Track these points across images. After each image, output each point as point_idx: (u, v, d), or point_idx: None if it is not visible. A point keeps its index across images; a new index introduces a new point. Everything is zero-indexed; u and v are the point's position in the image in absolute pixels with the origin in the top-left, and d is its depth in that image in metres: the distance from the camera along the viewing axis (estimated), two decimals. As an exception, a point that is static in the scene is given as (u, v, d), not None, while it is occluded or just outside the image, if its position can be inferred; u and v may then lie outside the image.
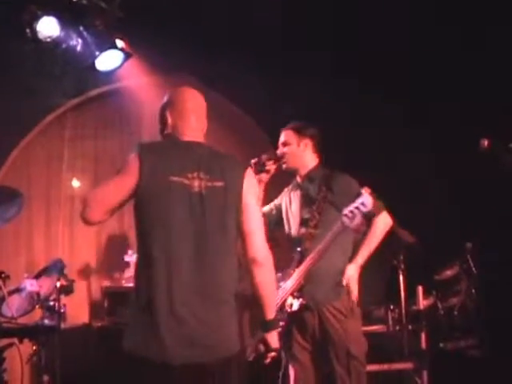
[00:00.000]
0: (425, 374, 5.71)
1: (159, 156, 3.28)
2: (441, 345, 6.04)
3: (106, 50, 6.11)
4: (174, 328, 3.08)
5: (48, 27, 5.86)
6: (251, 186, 3.41)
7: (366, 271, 6.74)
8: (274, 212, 4.97)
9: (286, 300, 4.49)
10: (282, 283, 4.54)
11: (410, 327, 5.92)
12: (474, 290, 6.05)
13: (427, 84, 6.68)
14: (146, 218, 3.20)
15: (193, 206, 3.19)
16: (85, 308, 6.97)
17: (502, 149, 4.16)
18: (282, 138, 4.93)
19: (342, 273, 4.57)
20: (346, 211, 4.27)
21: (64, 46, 6.03)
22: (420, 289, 6.01)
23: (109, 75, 6.78)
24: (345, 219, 4.28)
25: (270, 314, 3.33)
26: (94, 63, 6.21)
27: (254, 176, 3.60)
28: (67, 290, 5.59)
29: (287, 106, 7.36)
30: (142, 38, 6.61)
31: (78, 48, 6.06)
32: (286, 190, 5.01)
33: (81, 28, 5.98)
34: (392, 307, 6.02)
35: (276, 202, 5.01)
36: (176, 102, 3.58)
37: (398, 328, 5.98)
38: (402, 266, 5.92)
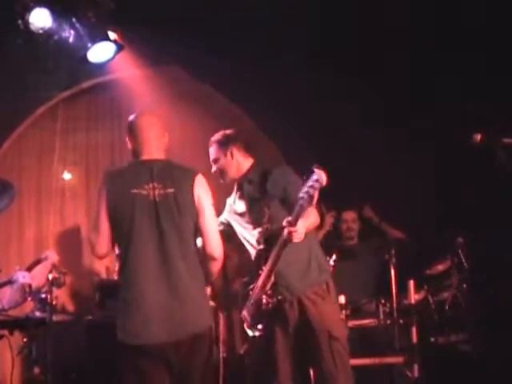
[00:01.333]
0: (415, 367, 5.73)
1: (121, 177, 3.98)
2: (432, 339, 6.06)
3: (98, 41, 6.09)
4: (148, 314, 3.75)
5: (40, 19, 5.83)
6: (202, 190, 3.97)
7: (358, 265, 6.78)
8: (223, 227, 4.85)
9: (260, 300, 4.45)
10: (251, 286, 4.56)
11: (401, 321, 5.94)
12: (465, 285, 6.06)
13: (410, 81, 6.70)
14: (117, 226, 3.88)
15: (150, 211, 3.85)
16: (76, 301, 6.94)
17: (495, 143, 4.16)
18: (211, 156, 4.92)
19: (310, 257, 4.62)
20: (301, 194, 4.11)
21: (56, 37, 5.99)
22: (411, 283, 6.01)
23: (101, 67, 6.75)
24: (302, 202, 4.12)
25: None
26: (86, 55, 6.19)
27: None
28: (59, 282, 5.58)
29: (279, 98, 7.39)
30: (135, 30, 6.59)
31: (71, 40, 6.02)
32: (227, 203, 5.00)
33: (73, 20, 5.95)
34: (383, 301, 6.04)
35: (221, 218, 4.89)
36: (133, 131, 4.17)
37: (389, 322, 5.99)
38: (394, 261, 5.94)
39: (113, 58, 6.45)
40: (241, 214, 4.80)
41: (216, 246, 3.98)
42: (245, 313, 4.56)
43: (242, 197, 4.82)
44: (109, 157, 7.85)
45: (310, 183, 4.08)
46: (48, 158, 7.53)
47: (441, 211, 6.38)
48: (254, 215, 4.67)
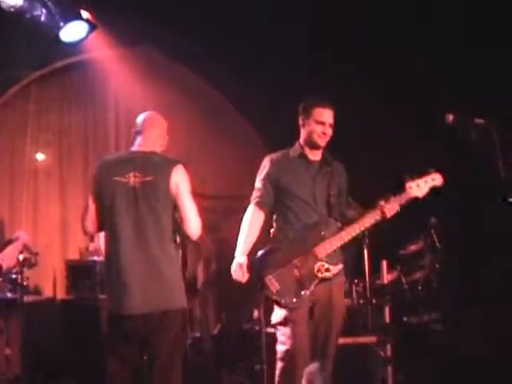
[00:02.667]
0: (388, 347, 5.75)
1: (107, 166, 4.32)
2: (404, 319, 6.09)
3: (70, 20, 6.02)
4: (126, 285, 4.09)
5: (11, -4, 5.76)
6: (180, 179, 4.27)
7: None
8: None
9: (312, 268, 4.49)
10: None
11: (374, 301, 5.95)
12: (437, 265, 6.10)
13: (394, 62, 6.70)
14: (102, 209, 4.27)
15: (129, 197, 4.18)
16: (49, 281, 6.91)
17: (467, 123, 4.17)
18: (330, 120, 4.68)
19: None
20: (412, 184, 4.61)
21: (28, 16, 5.92)
22: (384, 263, 6.05)
23: (74, 47, 6.68)
24: (412, 192, 4.60)
25: None
26: (58, 34, 6.12)
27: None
28: (30, 262, 5.56)
29: (252, 78, 7.38)
30: (108, 10, 6.53)
31: (42, 18, 5.95)
32: (277, 166, 4.81)
33: (45, -2, 5.89)
34: (356, 281, 6.06)
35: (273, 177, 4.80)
36: (138, 124, 4.50)
37: (362, 302, 6.01)
38: (367, 241, 5.94)
39: (86, 37, 6.39)
40: (303, 184, 4.70)
41: (192, 230, 4.33)
42: (272, 278, 4.50)
43: (311, 169, 4.74)
44: (82, 137, 7.81)
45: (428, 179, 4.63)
46: (21, 138, 7.48)
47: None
48: (318, 192, 4.67)
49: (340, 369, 6.01)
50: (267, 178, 4.78)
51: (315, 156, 4.75)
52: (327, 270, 4.49)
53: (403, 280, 6.14)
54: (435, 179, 4.66)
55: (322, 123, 4.64)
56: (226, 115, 8.55)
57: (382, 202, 4.59)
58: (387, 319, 5.92)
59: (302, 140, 4.78)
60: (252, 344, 6.75)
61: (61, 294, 6.72)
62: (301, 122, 4.78)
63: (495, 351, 5.94)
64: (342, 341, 5.85)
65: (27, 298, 5.74)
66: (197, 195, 4.46)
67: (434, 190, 4.67)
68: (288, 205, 4.67)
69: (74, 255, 7.05)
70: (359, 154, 6.55)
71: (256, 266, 4.63)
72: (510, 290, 5.73)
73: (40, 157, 7.56)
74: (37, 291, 6.84)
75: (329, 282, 4.53)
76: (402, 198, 4.60)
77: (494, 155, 4.03)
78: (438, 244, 5.94)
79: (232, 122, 8.60)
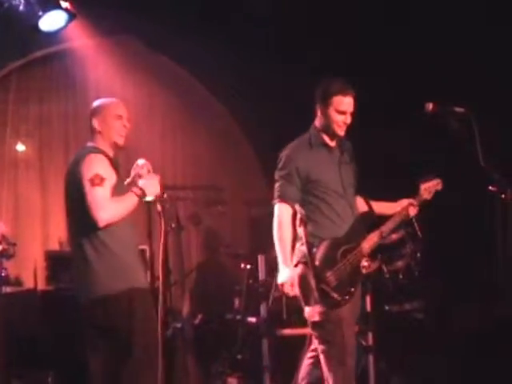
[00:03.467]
0: (370, 335, 5.78)
1: None
2: (386, 307, 6.11)
3: (49, 10, 5.94)
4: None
5: (-12, -14, 5.71)
6: (85, 168, 4.17)
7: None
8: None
9: (359, 263, 4.44)
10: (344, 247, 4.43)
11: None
12: (418, 254, 6.11)
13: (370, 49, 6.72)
14: None
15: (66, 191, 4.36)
16: (30, 272, 6.86)
17: (447, 112, 4.18)
18: (351, 108, 4.49)
19: None
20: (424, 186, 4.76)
21: (6, 5, 5.86)
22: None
23: (53, 36, 6.64)
24: (428, 196, 4.77)
25: None
26: (37, 24, 6.07)
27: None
28: (8, 253, 5.52)
29: (235, 67, 7.36)
30: (88, -1, 6.50)
31: (21, 8, 5.90)
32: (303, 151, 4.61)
33: (23, -14, 5.84)
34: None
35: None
36: None
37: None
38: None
39: (65, 26, 6.34)
40: (331, 174, 4.58)
41: (94, 218, 4.12)
42: (331, 275, 4.32)
43: (334, 156, 4.62)
44: (63, 128, 7.77)
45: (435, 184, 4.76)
46: (1, 129, 7.42)
47: (395, 178, 6.39)
48: (345, 179, 4.59)
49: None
50: (295, 172, 4.53)
51: (333, 142, 4.62)
52: (369, 266, 4.47)
53: (384, 269, 6.14)
54: (438, 184, 4.79)
55: (343, 112, 4.46)
56: (206, 106, 8.54)
57: (405, 203, 4.69)
58: (368, 308, 5.94)
59: (319, 126, 4.59)
60: (233, 333, 6.77)
61: (42, 285, 6.68)
62: (318, 109, 4.58)
63: (477, 338, 5.98)
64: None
65: (6, 289, 5.70)
66: (174, 186, 4.42)
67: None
68: (321, 197, 4.49)
69: (54, 246, 7.02)
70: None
71: (314, 260, 4.28)
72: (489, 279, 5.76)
73: (20, 147, 7.51)
74: (18, 282, 6.80)
75: None
76: (419, 199, 4.73)
77: (474, 143, 4.04)
78: (418, 233, 5.95)
79: (212, 112, 8.59)
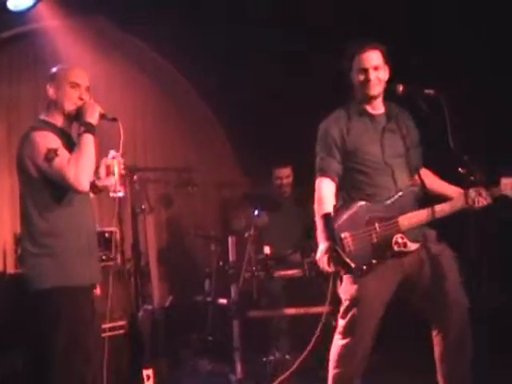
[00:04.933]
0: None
1: None
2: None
3: (17, -11, 5.92)
4: None
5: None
6: (32, 153, 4.01)
7: (287, 217, 6.82)
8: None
9: (391, 237, 4.12)
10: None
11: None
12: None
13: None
14: None
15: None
16: (-1, 255, 6.83)
17: (417, 94, 4.19)
18: (373, 62, 4.24)
19: None
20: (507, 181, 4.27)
21: (-27, -16, 5.82)
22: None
23: (21, 16, 6.57)
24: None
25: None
26: (5, 3, 6.02)
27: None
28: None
29: (206, 51, 7.33)
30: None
31: (-12, -13, 5.85)
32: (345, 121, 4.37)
33: (-11, -35, 5.78)
34: (307, 253, 6.06)
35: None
36: None
37: (314, 273, 6.01)
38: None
39: (33, 6, 6.29)
40: (372, 144, 4.33)
41: (67, 182, 3.94)
42: (349, 237, 4.10)
43: (376, 125, 4.37)
44: (32, 110, 7.67)
45: None
46: (-32, 112, 7.35)
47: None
48: (388, 150, 4.31)
49: (294, 338, 6.10)
50: (333, 144, 4.29)
51: (377, 109, 4.39)
52: (404, 244, 4.13)
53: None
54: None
55: (364, 70, 4.23)
56: (177, 87, 8.53)
57: (473, 192, 4.18)
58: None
59: (356, 95, 4.37)
60: (204, 315, 6.78)
61: (11, 269, 6.64)
62: (350, 78, 4.36)
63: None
64: (294, 311, 5.94)
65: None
66: (145, 168, 4.36)
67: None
68: (359, 169, 4.27)
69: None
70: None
71: (332, 220, 4.10)
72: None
73: (-13, 131, 7.42)
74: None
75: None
76: (495, 192, 4.23)
77: (444, 126, 4.05)
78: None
79: (183, 94, 8.58)
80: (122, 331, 5.71)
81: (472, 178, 4.08)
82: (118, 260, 6.53)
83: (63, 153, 3.96)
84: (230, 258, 6.27)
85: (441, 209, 4.19)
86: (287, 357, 5.94)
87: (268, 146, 7.37)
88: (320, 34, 6.63)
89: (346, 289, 4.26)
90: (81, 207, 4.14)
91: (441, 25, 6.21)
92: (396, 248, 4.12)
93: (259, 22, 6.90)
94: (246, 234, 6.30)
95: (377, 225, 4.14)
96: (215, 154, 8.82)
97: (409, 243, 4.15)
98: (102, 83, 7.04)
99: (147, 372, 5.57)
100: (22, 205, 4.13)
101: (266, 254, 6.29)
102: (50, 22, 7.15)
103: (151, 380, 5.56)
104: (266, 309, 6.13)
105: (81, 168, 3.91)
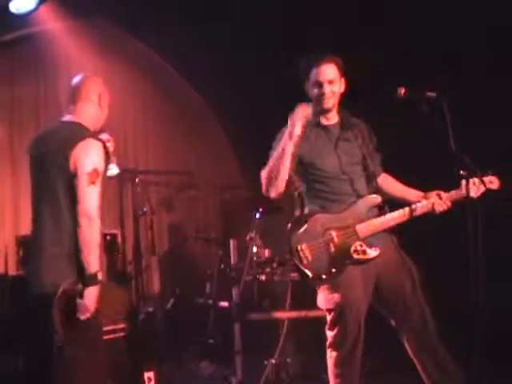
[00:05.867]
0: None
1: (34, 137, 4.20)
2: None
3: (19, -9, 5.94)
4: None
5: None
6: (82, 155, 3.80)
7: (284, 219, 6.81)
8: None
9: (349, 246, 4.16)
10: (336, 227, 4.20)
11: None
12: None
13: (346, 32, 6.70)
14: None
15: (37, 171, 4.00)
16: (0, 257, 6.82)
17: (419, 96, 4.19)
18: (328, 75, 4.28)
19: None
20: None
21: (-25, -13, 5.83)
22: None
23: (24, 19, 6.58)
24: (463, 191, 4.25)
25: (88, 268, 3.79)
26: (7, 6, 6.03)
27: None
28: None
29: (208, 53, 7.33)
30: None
31: (-10, -11, 5.87)
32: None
33: (-8, -32, 5.79)
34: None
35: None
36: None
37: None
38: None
39: (36, 9, 6.30)
40: (327, 155, 4.36)
41: (81, 214, 3.77)
42: (306, 248, 4.13)
43: (330, 136, 4.40)
44: (34, 111, 7.70)
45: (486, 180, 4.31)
46: (-29, 112, 7.36)
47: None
48: (344, 160, 4.35)
49: (296, 342, 6.11)
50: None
51: (331, 120, 4.44)
52: (364, 252, 4.17)
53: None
54: (493, 182, 4.41)
55: (319, 84, 4.28)
56: (179, 90, 8.53)
57: (433, 196, 4.33)
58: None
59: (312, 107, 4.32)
60: (205, 318, 6.78)
61: (12, 271, 6.64)
62: (305, 88, 4.41)
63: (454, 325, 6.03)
64: (296, 314, 5.94)
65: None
66: (146, 171, 4.31)
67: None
68: (318, 179, 4.32)
69: (25, 231, 6.96)
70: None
71: (288, 232, 4.19)
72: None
73: (-10, 131, 7.43)
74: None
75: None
76: (455, 195, 4.33)
77: (446, 129, 4.05)
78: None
79: (185, 97, 8.59)
80: (122, 334, 5.70)
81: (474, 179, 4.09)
82: (120, 262, 6.55)
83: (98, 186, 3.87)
84: (232, 261, 6.26)
85: (401, 214, 4.29)
86: (288, 360, 5.93)
87: (269, 149, 7.37)
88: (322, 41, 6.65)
89: (328, 299, 4.23)
90: None
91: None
92: (355, 256, 4.17)
93: (265, 23, 6.91)
94: (248, 237, 6.29)
95: (334, 234, 4.18)
96: (217, 157, 8.83)
97: (368, 250, 4.19)
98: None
99: (148, 374, 5.57)
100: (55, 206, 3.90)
101: (266, 258, 6.29)
102: (52, 25, 7.18)
103: (152, 382, 5.55)
104: (267, 312, 6.12)
105: (95, 241, 3.81)
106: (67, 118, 4.04)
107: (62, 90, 7.85)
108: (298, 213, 4.40)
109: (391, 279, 4.30)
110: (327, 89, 4.29)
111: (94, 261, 3.77)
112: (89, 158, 3.80)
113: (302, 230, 4.20)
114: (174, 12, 7.00)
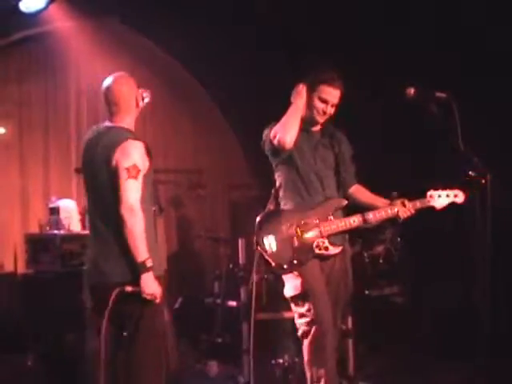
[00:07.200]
0: (349, 320, 5.78)
1: (84, 140, 4.27)
2: (366, 292, 6.13)
3: (29, -9, 5.95)
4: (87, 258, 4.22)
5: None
6: (121, 156, 3.97)
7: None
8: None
9: (311, 241, 4.48)
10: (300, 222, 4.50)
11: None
12: (398, 239, 6.14)
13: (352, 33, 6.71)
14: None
15: (88, 176, 4.17)
16: (9, 256, 6.83)
17: (428, 97, 4.19)
18: (336, 100, 4.56)
19: None
20: (435, 192, 4.66)
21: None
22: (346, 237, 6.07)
23: (34, 18, 6.60)
24: (432, 201, 4.65)
25: (137, 257, 3.95)
26: (17, 5, 6.04)
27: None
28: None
29: (219, 53, 7.34)
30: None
31: (0, -12, 5.88)
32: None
33: (3, -33, 5.80)
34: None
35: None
36: (102, 93, 4.24)
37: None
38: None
39: (46, 8, 6.32)
40: (305, 156, 4.64)
41: (122, 207, 3.94)
42: (272, 239, 4.48)
43: (311, 140, 4.68)
44: (43, 109, 7.73)
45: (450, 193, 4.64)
46: (-20, 110, 7.38)
47: (376, 165, 6.42)
48: (320, 164, 4.65)
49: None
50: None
51: (314, 127, 4.70)
52: (326, 248, 4.49)
53: (364, 254, 6.17)
54: (457, 196, 4.66)
55: (326, 101, 4.54)
56: (188, 89, 8.53)
57: (398, 203, 4.62)
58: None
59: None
60: (213, 317, 6.77)
61: (22, 269, 6.65)
62: (306, 90, 4.60)
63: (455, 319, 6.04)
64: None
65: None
66: (155, 170, 4.33)
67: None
68: (295, 175, 4.61)
69: (34, 229, 6.99)
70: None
71: (258, 223, 4.53)
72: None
73: (0, 130, 7.45)
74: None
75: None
76: (419, 204, 4.65)
77: (455, 129, 4.05)
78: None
79: (194, 96, 8.58)
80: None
81: (483, 181, 4.07)
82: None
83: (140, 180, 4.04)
84: (240, 261, 6.25)
85: (364, 218, 4.60)
86: (296, 359, 5.92)
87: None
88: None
89: (295, 284, 4.53)
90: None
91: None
92: (317, 251, 4.49)
93: (274, 22, 6.91)
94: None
95: (299, 230, 4.49)
96: (225, 156, 8.82)
97: (330, 247, 4.53)
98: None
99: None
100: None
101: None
102: (62, 24, 7.19)
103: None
104: (275, 311, 6.12)
105: (139, 231, 3.96)
106: (109, 123, 4.19)
107: (71, 88, 7.90)
108: (271, 206, 4.74)
109: (332, 285, 4.61)
110: (330, 110, 4.58)
111: (141, 249, 3.93)
112: (128, 155, 3.98)
113: (271, 222, 4.54)
114: (187, 12, 7.00)
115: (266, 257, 4.47)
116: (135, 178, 3.97)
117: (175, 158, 8.46)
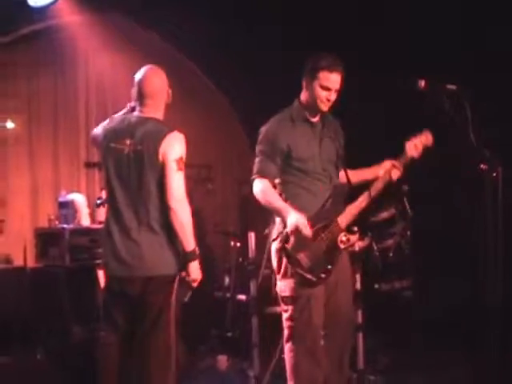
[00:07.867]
0: (359, 314, 5.77)
1: (108, 129, 4.27)
2: (376, 286, 6.11)
3: (38, -15, 5.95)
4: (112, 249, 4.16)
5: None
6: (169, 148, 4.14)
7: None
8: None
9: (336, 238, 4.38)
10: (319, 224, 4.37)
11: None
12: (408, 233, 6.11)
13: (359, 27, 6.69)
14: (104, 175, 4.28)
15: (123, 166, 4.14)
16: (19, 250, 6.84)
17: (439, 89, 4.16)
18: (336, 85, 4.39)
19: None
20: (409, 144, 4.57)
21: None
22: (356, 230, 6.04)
23: (41, 12, 6.60)
24: (413, 153, 4.56)
25: (187, 247, 4.25)
26: (25, -1, 6.04)
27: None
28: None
29: (227, 48, 7.33)
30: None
31: (9, -17, 5.87)
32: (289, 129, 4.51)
33: (11, -38, 5.80)
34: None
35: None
36: (135, 85, 4.40)
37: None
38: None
39: (54, 2, 6.32)
40: (312, 150, 4.51)
41: (172, 199, 4.09)
42: (302, 255, 4.31)
43: (315, 133, 4.55)
44: (52, 104, 7.74)
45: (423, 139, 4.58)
46: (-12, 104, 7.38)
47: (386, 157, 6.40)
48: (325, 156, 4.53)
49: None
50: (275, 148, 4.45)
51: (316, 117, 4.54)
52: (348, 240, 4.41)
53: (374, 247, 6.14)
54: (427, 138, 4.60)
55: (328, 89, 4.36)
56: (196, 84, 8.51)
57: (388, 165, 4.55)
58: (358, 286, 5.93)
59: (303, 100, 4.50)
60: (223, 311, 6.77)
61: (31, 263, 6.66)
62: (304, 82, 4.48)
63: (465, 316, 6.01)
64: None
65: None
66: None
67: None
68: (300, 174, 4.46)
69: (44, 223, 7.00)
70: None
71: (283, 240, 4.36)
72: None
73: (9, 124, 7.44)
74: (7, 260, 6.78)
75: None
76: (403, 160, 4.57)
77: (466, 122, 4.02)
78: (409, 211, 5.95)
79: (202, 90, 8.57)
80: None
81: (494, 174, 4.05)
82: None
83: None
84: (250, 255, 6.24)
85: (365, 198, 4.47)
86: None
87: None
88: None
89: (288, 288, 4.42)
90: None
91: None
92: (342, 246, 4.41)
93: (281, 20, 6.90)
94: (266, 231, 6.28)
95: (322, 235, 4.36)
96: (235, 150, 8.82)
97: (351, 237, 4.44)
98: (120, 79, 7.02)
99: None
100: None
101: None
102: (71, 18, 7.20)
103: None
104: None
105: (189, 221, 4.23)
106: (143, 114, 4.30)
107: (79, 83, 7.90)
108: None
109: (340, 289, 4.52)
110: (333, 96, 4.41)
111: (190, 239, 4.23)
112: (175, 147, 4.16)
113: (293, 239, 4.30)
114: (192, 6, 6.98)
115: (304, 274, 4.30)
116: (182, 169, 4.13)
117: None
